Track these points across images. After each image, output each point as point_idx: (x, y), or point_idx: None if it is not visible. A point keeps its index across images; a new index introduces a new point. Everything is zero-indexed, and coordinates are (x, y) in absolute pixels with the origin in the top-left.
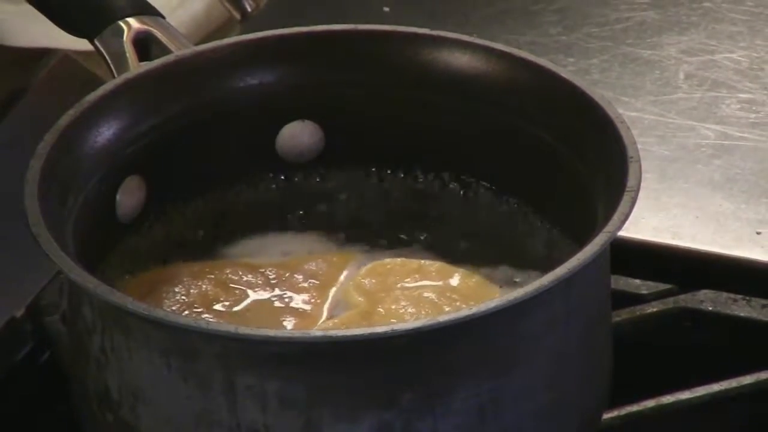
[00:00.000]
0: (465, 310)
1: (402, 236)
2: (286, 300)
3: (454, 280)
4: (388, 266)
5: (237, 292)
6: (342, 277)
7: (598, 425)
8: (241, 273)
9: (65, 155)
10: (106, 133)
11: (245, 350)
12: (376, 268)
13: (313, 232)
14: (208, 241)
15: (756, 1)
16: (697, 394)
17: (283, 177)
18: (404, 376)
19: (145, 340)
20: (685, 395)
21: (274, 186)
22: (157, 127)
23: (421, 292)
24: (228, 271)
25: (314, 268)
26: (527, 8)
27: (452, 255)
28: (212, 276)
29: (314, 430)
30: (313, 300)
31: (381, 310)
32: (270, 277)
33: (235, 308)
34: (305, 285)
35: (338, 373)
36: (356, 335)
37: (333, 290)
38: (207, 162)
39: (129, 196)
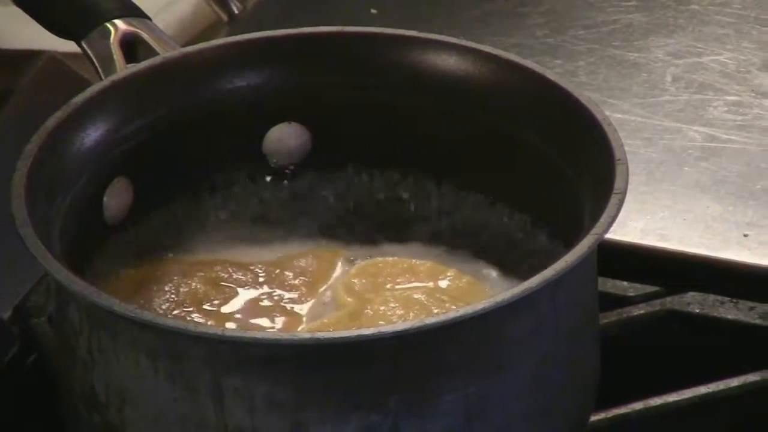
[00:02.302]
0: (452, 312)
1: (391, 237)
2: (276, 298)
3: (444, 281)
4: (379, 265)
5: (227, 290)
6: (333, 275)
7: (585, 427)
8: (231, 270)
9: (52, 157)
10: (93, 134)
11: (232, 352)
12: (366, 267)
13: (301, 234)
14: (194, 243)
15: (743, 4)
16: (685, 397)
17: (270, 179)
18: (391, 378)
19: (132, 341)
20: (672, 397)
21: (261, 188)
22: (144, 128)
23: (410, 293)
24: (218, 269)
25: (304, 265)
26: (514, 10)
27: (440, 256)
28: (202, 274)
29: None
30: (302, 298)
31: (369, 311)
32: (260, 274)
33: (225, 306)
34: (295, 282)
35: (325, 375)
36: (343, 337)
37: (323, 288)
38: (194, 164)
39: (116, 198)
